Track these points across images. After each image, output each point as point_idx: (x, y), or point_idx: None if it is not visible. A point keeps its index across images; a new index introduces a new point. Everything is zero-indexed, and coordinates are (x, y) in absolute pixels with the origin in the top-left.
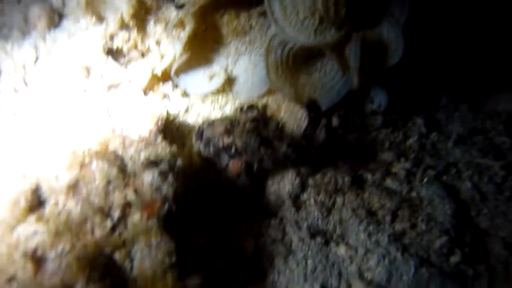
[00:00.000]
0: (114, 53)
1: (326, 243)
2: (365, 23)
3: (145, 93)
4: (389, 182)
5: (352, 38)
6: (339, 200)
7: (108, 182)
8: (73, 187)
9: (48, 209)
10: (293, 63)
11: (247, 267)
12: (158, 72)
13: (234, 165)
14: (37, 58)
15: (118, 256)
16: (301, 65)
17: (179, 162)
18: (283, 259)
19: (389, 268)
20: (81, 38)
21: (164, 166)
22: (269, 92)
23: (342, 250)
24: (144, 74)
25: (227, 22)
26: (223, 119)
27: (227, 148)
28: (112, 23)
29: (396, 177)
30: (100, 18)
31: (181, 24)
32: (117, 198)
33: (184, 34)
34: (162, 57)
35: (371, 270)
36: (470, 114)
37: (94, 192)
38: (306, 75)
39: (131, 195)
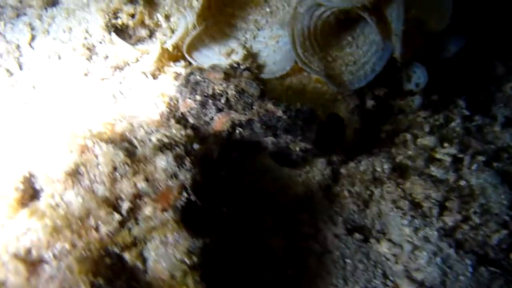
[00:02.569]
0: (119, 30)
1: (365, 239)
2: None
3: (155, 73)
4: (433, 170)
5: None
6: (376, 191)
7: (115, 168)
8: (73, 175)
9: (43, 201)
10: (322, 35)
11: (276, 269)
12: (169, 47)
13: (219, 120)
14: (33, 38)
15: (128, 256)
16: (331, 38)
17: (196, 145)
18: (317, 259)
19: (442, 267)
20: (82, 15)
21: (179, 149)
22: (294, 70)
23: (384, 247)
24: (153, 51)
25: None
26: (217, 67)
27: (216, 96)
28: None
29: (441, 164)
30: None
31: None
32: (125, 187)
33: (198, 2)
34: (172, 32)
35: (420, 270)
36: None
37: (98, 180)
38: (336, 49)
39: (142, 183)
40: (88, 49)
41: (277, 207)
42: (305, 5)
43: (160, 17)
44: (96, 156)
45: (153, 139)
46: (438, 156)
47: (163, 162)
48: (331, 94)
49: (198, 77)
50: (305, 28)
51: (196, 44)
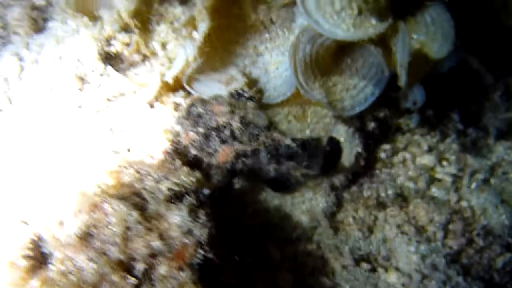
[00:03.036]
0: (112, 59)
1: (373, 269)
2: (406, 10)
3: (153, 104)
4: (434, 191)
5: (399, 28)
6: (380, 215)
7: (127, 228)
8: (84, 237)
9: (53, 268)
10: (322, 60)
11: None
12: (169, 80)
13: (223, 152)
14: (21, 69)
15: None
16: (330, 62)
17: (206, 191)
18: None
19: None
20: (72, 43)
21: (191, 199)
22: (293, 95)
23: (393, 277)
24: (152, 83)
25: (244, 17)
26: (220, 98)
27: (220, 129)
28: (108, 23)
29: (441, 185)
30: (93, 18)
31: (191, 21)
32: (139, 246)
33: (199, 33)
34: (170, 61)
35: None
36: (502, 103)
37: (110, 241)
38: (336, 73)
39: (156, 242)
40: (81, 78)
41: (282, 238)
42: (307, 35)
43: (156, 45)
44: (107, 215)
45: (163, 188)
46: (438, 176)
47: (177, 217)
48: (331, 117)
49: (200, 109)
50: (307, 56)
51: (195, 75)
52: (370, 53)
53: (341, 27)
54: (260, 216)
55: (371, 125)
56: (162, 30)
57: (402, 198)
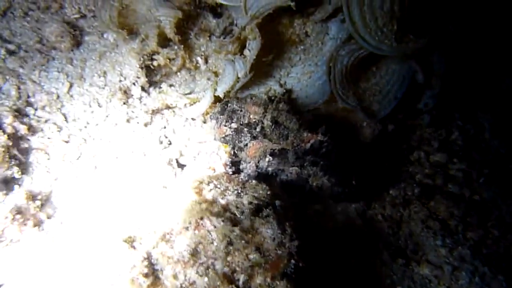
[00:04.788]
0: (155, 73)
1: (407, 263)
2: None
3: (206, 119)
4: (450, 187)
5: (436, 43)
6: (405, 212)
7: (229, 243)
8: (194, 254)
9: (168, 284)
10: (354, 70)
11: None
12: (220, 94)
13: (253, 147)
14: (70, 86)
15: None
16: (360, 71)
17: (278, 202)
18: None
19: (482, 286)
20: (114, 57)
21: (269, 211)
22: (325, 103)
23: (425, 269)
24: (205, 97)
25: (282, 31)
26: (255, 97)
27: (252, 125)
28: (152, 38)
29: (456, 180)
30: (132, 32)
31: (238, 38)
32: (239, 260)
33: (252, 51)
34: (215, 75)
35: None
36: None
37: (214, 256)
38: (364, 80)
39: (254, 255)
40: (125, 93)
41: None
42: (348, 48)
43: (200, 59)
44: (210, 232)
45: (245, 202)
46: (451, 172)
47: (269, 231)
48: (357, 121)
49: (235, 106)
50: (344, 67)
51: (242, 88)
52: (392, 61)
53: (385, 42)
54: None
55: (391, 127)
56: (202, 44)
57: (425, 196)
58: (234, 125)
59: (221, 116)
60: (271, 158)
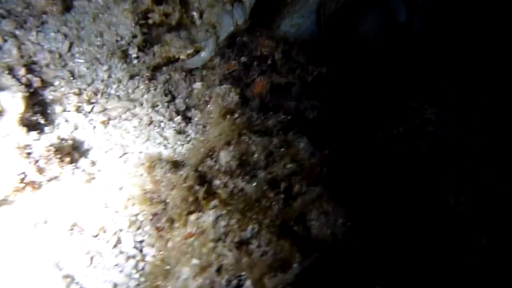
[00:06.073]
0: (152, 30)
1: None
2: None
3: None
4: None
5: None
6: None
7: (269, 154)
8: (239, 165)
9: (221, 192)
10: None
11: None
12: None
13: (260, 82)
14: (70, 45)
15: (296, 228)
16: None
17: None
18: None
19: None
20: (108, 18)
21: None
22: None
23: None
24: (208, 46)
25: None
26: (265, 32)
27: (263, 58)
28: None
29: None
30: None
31: None
32: (278, 169)
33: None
34: (213, 27)
35: None
36: None
37: (257, 166)
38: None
39: (291, 164)
40: (123, 52)
41: None
42: None
43: (195, 14)
44: (249, 145)
45: (273, 124)
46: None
47: (302, 143)
48: None
49: (245, 39)
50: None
51: None
52: None
53: None
54: None
55: None
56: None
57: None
58: (244, 59)
59: (228, 50)
60: (275, 93)
